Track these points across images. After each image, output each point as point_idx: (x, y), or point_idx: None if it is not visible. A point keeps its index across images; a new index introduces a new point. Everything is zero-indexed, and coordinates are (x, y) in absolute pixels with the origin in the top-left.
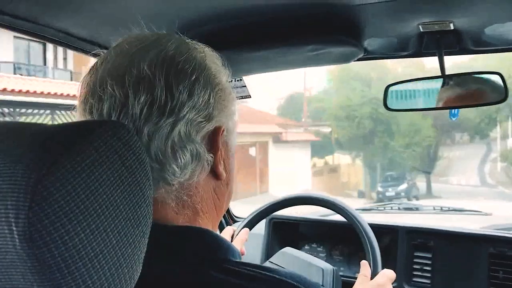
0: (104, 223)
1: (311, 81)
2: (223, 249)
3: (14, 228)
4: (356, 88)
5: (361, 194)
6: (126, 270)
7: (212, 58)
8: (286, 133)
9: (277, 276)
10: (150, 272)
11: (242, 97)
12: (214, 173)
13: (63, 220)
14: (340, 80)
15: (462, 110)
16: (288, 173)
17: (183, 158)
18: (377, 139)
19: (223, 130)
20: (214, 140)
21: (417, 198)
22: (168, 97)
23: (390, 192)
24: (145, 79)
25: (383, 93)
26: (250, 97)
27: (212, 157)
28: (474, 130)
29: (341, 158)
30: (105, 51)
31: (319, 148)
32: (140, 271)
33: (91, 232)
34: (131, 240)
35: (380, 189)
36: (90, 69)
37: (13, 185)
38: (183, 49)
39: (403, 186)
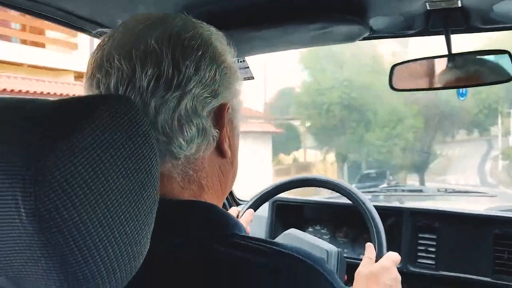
0: (112, 198)
1: (282, 68)
2: (230, 224)
3: (21, 205)
4: (326, 69)
5: None
6: (134, 246)
7: (217, 37)
8: None
9: (283, 250)
10: (157, 246)
11: (245, 78)
12: (220, 151)
13: (70, 195)
14: (309, 60)
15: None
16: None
17: (190, 131)
18: (350, 130)
19: (229, 108)
20: (219, 116)
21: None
22: (174, 72)
23: (367, 195)
24: (152, 54)
25: (388, 73)
26: (253, 78)
27: (217, 132)
28: (472, 122)
29: (313, 154)
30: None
31: (285, 142)
32: (148, 246)
33: (98, 208)
34: (139, 216)
35: None
36: (97, 46)
37: (19, 161)
38: (189, 26)
39: (383, 187)
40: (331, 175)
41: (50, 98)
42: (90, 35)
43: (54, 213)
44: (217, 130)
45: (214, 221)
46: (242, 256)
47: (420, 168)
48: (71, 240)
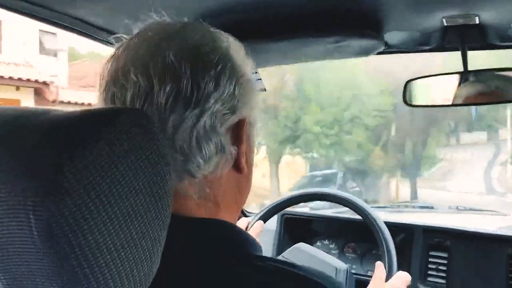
0: (125, 214)
1: None
2: (247, 243)
3: (33, 220)
4: None
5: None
6: (145, 263)
7: (236, 48)
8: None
9: (308, 276)
10: (171, 264)
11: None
12: (237, 167)
13: (84, 211)
14: None
15: None
16: None
17: (208, 150)
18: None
19: (247, 123)
20: (238, 132)
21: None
22: (194, 88)
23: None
24: (170, 69)
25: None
26: (265, 90)
27: (235, 149)
28: (478, 123)
29: None
30: (124, 36)
31: None
32: (158, 264)
33: (111, 224)
34: (151, 233)
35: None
36: (111, 56)
37: (32, 175)
38: (208, 38)
39: (394, 204)
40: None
41: (63, 109)
42: (102, 43)
43: (66, 229)
44: (235, 147)
45: (232, 241)
46: (267, 281)
47: (411, 172)
48: (83, 260)
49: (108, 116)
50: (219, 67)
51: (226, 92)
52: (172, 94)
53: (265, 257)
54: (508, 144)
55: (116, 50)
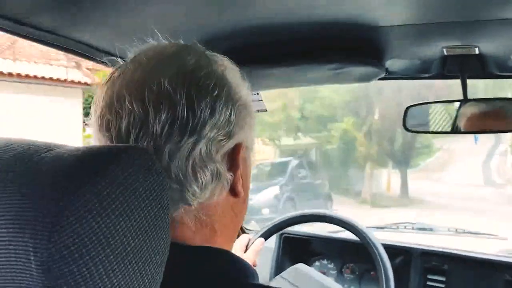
0: (123, 254)
1: None
2: (243, 272)
3: (32, 259)
4: None
5: None
6: None
7: (231, 71)
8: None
9: None
10: None
11: (257, 111)
12: (233, 191)
13: (82, 251)
14: None
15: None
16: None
17: (204, 178)
18: None
19: (243, 147)
20: (234, 157)
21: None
22: (189, 115)
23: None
24: (165, 96)
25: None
26: (266, 110)
27: (231, 175)
28: None
29: None
30: (118, 59)
31: None
32: None
33: (109, 263)
34: (151, 268)
35: None
36: (107, 81)
37: (33, 214)
38: (203, 62)
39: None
40: None
41: (71, 146)
42: (99, 63)
43: (64, 269)
44: (231, 173)
45: (228, 269)
46: None
47: (401, 163)
48: None
49: (111, 155)
50: (215, 92)
51: (222, 119)
52: (167, 122)
53: (262, 286)
54: (508, 134)
55: (111, 74)
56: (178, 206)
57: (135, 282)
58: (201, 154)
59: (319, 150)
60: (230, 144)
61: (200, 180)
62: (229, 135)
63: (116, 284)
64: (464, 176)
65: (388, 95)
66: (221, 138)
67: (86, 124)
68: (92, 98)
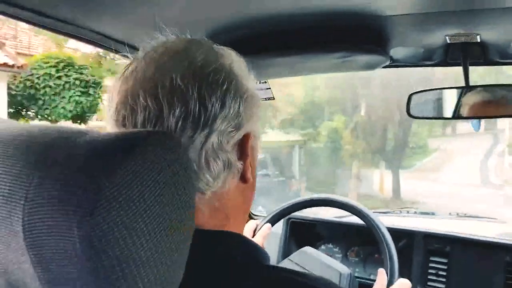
0: (155, 229)
1: None
2: (256, 254)
3: (76, 233)
4: None
5: None
6: (172, 274)
7: (239, 64)
8: None
9: (310, 283)
10: (187, 276)
11: (266, 99)
12: (243, 178)
13: (120, 226)
14: None
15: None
16: None
17: (216, 167)
18: None
19: (251, 137)
20: (243, 147)
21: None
22: (201, 110)
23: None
24: (178, 92)
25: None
26: (274, 98)
27: (242, 164)
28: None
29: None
30: (129, 55)
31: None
32: (182, 275)
33: (144, 237)
34: (177, 245)
35: None
36: (121, 77)
37: (74, 193)
38: (211, 58)
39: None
40: None
41: (102, 132)
42: (113, 52)
43: (104, 242)
44: (241, 162)
45: (242, 251)
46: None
47: (392, 162)
48: (119, 272)
49: (139, 137)
50: (224, 86)
51: (232, 111)
52: (181, 117)
53: (275, 267)
54: (506, 134)
55: (124, 69)
56: None
57: (166, 254)
58: (213, 146)
59: (304, 148)
60: (239, 135)
61: (212, 170)
62: (238, 127)
63: (150, 255)
64: (462, 177)
65: (377, 90)
66: (231, 129)
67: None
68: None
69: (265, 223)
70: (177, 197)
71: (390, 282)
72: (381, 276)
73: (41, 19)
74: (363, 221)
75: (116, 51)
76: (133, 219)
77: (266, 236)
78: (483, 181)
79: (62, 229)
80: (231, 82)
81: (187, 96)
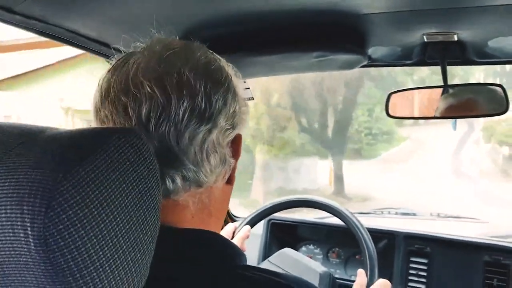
0: (116, 229)
1: None
2: (233, 254)
3: (30, 232)
4: None
5: None
6: (135, 275)
7: (231, 69)
8: None
9: (284, 282)
10: (162, 273)
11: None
12: (229, 179)
13: (77, 226)
14: None
15: None
16: None
17: (214, 161)
18: None
19: (241, 138)
20: (236, 146)
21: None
22: (207, 105)
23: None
24: (187, 85)
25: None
26: (253, 99)
27: (233, 161)
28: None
29: None
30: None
31: None
32: (147, 275)
33: (103, 238)
34: (140, 246)
35: None
36: (116, 66)
37: (29, 190)
38: (210, 57)
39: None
40: None
41: (63, 128)
42: (96, 54)
43: (60, 242)
44: (233, 160)
45: (220, 252)
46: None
47: (331, 150)
48: (75, 269)
49: (102, 136)
50: (225, 86)
51: (231, 110)
52: (188, 109)
53: (250, 267)
54: (480, 121)
55: (118, 61)
56: (190, 187)
57: (127, 255)
58: (213, 140)
59: None
60: (233, 134)
61: (211, 163)
62: (233, 126)
63: (109, 256)
64: (432, 168)
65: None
66: (228, 127)
67: None
68: None
69: (244, 225)
70: (141, 199)
71: (370, 282)
72: (361, 276)
73: (13, 17)
74: (343, 221)
75: (89, 50)
76: (91, 218)
77: (245, 237)
78: (456, 172)
79: (16, 228)
80: (230, 83)
81: (195, 90)
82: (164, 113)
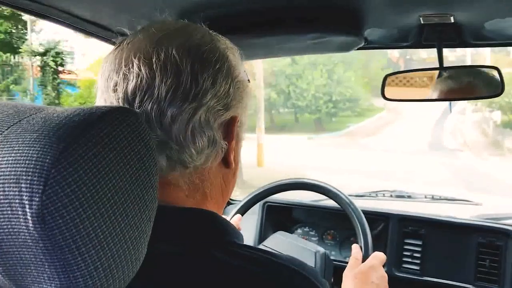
0: (113, 207)
1: None
2: (229, 232)
3: (28, 210)
4: None
5: None
6: (132, 252)
7: (232, 51)
8: None
9: (278, 261)
10: (158, 251)
11: None
12: (225, 161)
13: (75, 203)
14: None
15: None
16: None
17: (201, 142)
18: None
19: (238, 121)
20: (229, 128)
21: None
22: (192, 83)
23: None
24: (172, 63)
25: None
26: (249, 82)
27: (226, 144)
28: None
29: None
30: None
31: None
32: (145, 253)
33: (100, 215)
34: (138, 224)
35: None
36: (115, 48)
37: (27, 168)
38: (207, 39)
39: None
40: None
41: (59, 108)
42: (103, 40)
43: (58, 220)
44: (226, 142)
45: (214, 229)
46: (237, 264)
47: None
48: (74, 246)
49: (98, 114)
50: (217, 66)
51: (222, 90)
52: (172, 88)
53: (245, 245)
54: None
55: (120, 42)
56: (175, 168)
57: (125, 233)
58: (200, 120)
59: None
60: (227, 115)
61: (197, 144)
62: (226, 107)
63: (107, 234)
64: (411, 140)
65: None
66: (220, 108)
67: None
68: None
69: (238, 210)
70: (138, 176)
71: (365, 256)
72: (356, 250)
73: (23, 2)
74: (336, 202)
75: (84, 31)
76: (89, 197)
77: (236, 227)
78: (436, 145)
79: (14, 206)
80: (224, 64)
81: (180, 68)
82: (149, 91)
